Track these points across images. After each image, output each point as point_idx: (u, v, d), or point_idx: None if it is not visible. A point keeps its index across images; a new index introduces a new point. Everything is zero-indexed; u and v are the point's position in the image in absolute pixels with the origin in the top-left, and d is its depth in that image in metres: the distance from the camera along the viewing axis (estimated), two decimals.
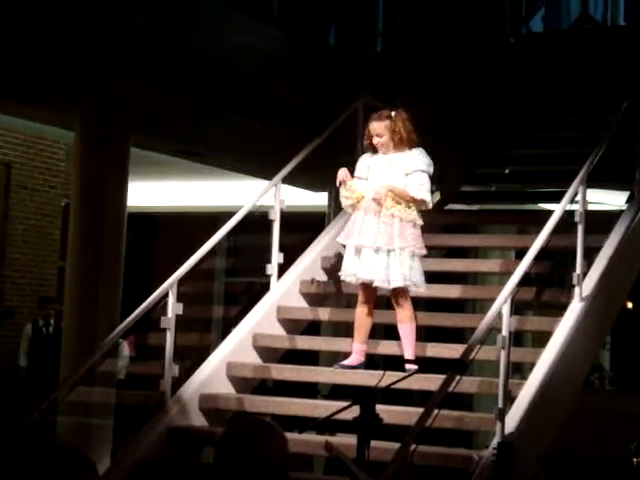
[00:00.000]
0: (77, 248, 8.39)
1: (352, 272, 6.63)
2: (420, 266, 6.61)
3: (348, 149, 7.94)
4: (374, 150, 6.80)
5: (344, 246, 6.90)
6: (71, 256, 8.46)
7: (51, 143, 11.65)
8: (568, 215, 6.73)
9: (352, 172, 6.86)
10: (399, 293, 6.59)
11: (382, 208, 6.57)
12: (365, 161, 6.84)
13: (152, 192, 13.22)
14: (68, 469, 2.55)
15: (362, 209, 6.67)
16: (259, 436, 2.79)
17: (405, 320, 6.60)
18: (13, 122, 10.20)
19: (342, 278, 6.74)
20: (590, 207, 6.93)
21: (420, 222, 6.63)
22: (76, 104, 8.36)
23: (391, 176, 6.67)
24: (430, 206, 6.69)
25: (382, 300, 7.04)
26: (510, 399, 5.94)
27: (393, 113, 6.67)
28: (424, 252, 6.65)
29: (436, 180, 6.80)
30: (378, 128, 6.69)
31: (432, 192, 6.66)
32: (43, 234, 11.72)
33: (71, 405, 6.85)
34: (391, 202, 6.58)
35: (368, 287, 6.66)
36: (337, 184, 6.76)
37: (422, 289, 6.64)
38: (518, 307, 6.31)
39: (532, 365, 6.37)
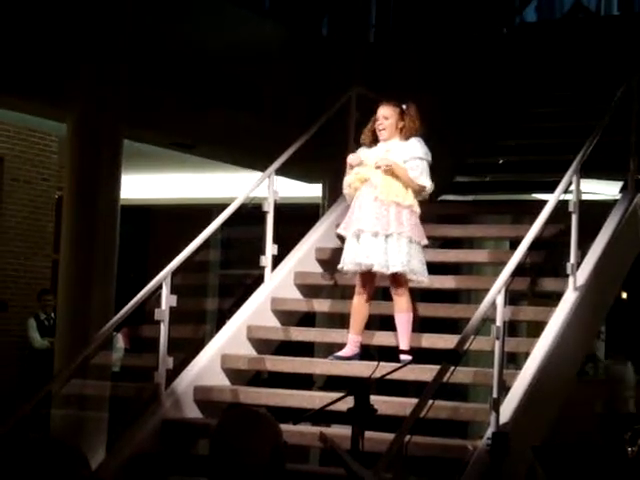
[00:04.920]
0: (70, 241, 8.36)
1: (353, 260, 6.61)
2: (422, 256, 6.62)
3: (341, 140, 7.93)
4: (372, 142, 6.80)
5: (341, 239, 6.90)
6: (64, 249, 8.44)
7: (44, 136, 11.61)
8: (562, 205, 6.73)
9: (345, 166, 6.88)
10: (398, 282, 6.59)
11: (384, 186, 6.55)
12: (361, 153, 6.83)
13: (145, 184, 13.19)
14: (60, 463, 2.54)
15: (360, 196, 6.66)
16: (252, 427, 2.79)
17: (402, 310, 6.60)
18: (5, 115, 10.16)
19: (343, 269, 6.71)
20: (584, 197, 6.93)
21: (418, 210, 6.64)
22: (69, 96, 8.33)
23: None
24: (429, 193, 6.71)
25: (377, 291, 7.04)
26: (505, 389, 5.95)
27: (404, 106, 6.72)
28: (425, 242, 6.66)
29: (431, 170, 6.80)
30: (387, 110, 6.73)
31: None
32: (36, 227, 11.69)
33: (65, 398, 6.84)
34: (388, 188, 6.58)
35: (366, 277, 6.65)
36: (348, 167, 6.76)
37: (424, 279, 6.64)
38: (512, 297, 6.31)
39: (526, 355, 6.37)
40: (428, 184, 6.65)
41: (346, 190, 6.83)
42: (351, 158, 6.77)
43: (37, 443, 2.58)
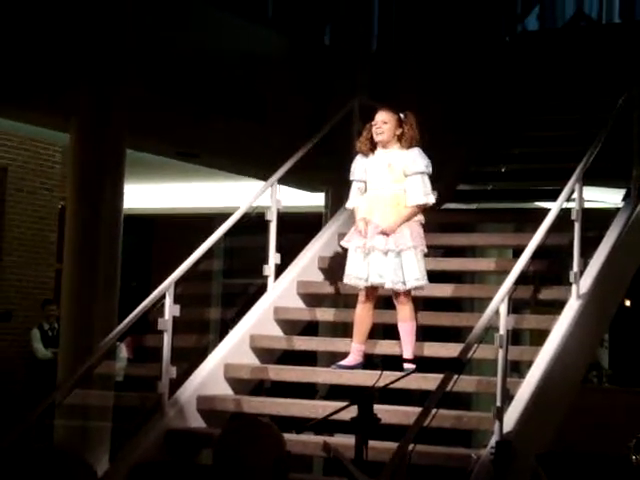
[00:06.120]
0: (74, 250, 8.37)
1: (360, 276, 6.60)
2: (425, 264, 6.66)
3: (344, 149, 7.94)
4: (369, 149, 6.80)
5: (343, 249, 6.90)
6: (68, 258, 8.44)
7: (47, 145, 11.63)
8: (565, 213, 6.73)
9: (347, 175, 6.89)
10: (402, 292, 6.59)
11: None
12: (361, 163, 6.83)
13: (148, 194, 13.20)
14: (66, 472, 2.53)
15: (370, 215, 6.66)
16: (255, 436, 2.79)
17: (406, 319, 6.60)
18: (8, 125, 10.18)
19: (347, 282, 6.71)
20: (587, 205, 6.93)
21: (423, 220, 6.68)
22: (71, 106, 8.34)
23: (391, 178, 6.68)
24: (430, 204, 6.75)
25: (380, 300, 7.03)
26: (508, 398, 5.94)
27: (402, 115, 6.71)
28: (426, 250, 6.68)
29: (433, 179, 6.81)
30: (385, 115, 6.71)
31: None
32: (40, 237, 11.70)
33: (69, 407, 6.84)
34: (397, 216, 6.60)
35: (371, 287, 6.65)
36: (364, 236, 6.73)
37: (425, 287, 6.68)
38: (516, 305, 6.31)
39: (530, 363, 6.37)
40: (431, 200, 6.69)
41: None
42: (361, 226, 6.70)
43: (43, 453, 2.58)
